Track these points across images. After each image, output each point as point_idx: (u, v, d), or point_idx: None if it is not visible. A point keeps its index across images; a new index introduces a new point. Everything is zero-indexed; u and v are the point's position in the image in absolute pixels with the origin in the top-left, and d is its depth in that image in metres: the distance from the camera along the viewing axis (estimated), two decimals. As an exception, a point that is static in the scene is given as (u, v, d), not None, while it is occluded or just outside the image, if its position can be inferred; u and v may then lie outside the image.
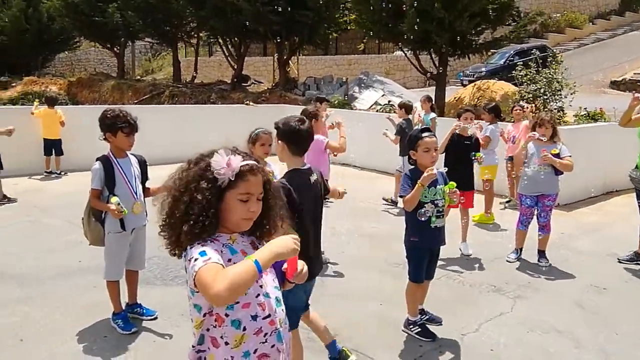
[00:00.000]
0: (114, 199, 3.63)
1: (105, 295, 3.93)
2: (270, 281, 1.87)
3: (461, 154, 5.72)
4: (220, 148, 1.79)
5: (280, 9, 16.64)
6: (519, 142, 7.54)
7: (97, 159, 3.74)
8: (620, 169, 6.45)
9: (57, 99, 9.87)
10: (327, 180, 5.34)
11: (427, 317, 4.02)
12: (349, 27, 19.99)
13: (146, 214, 3.93)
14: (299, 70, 23.85)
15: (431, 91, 14.50)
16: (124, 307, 3.97)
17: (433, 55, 15.20)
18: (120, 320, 3.84)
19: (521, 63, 12.70)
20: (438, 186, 3.77)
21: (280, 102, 16.12)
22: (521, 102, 9.75)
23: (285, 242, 1.70)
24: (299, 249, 1.73)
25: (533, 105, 11.00)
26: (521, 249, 5.65)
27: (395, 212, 7.55)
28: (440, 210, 3.80)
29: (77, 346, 3.61)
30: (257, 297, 1.78)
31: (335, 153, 5.92)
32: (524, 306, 4.50)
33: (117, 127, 3.67)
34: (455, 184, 3.81)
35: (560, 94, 11.57)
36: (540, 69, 11.99)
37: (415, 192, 3.61)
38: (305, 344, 3.57)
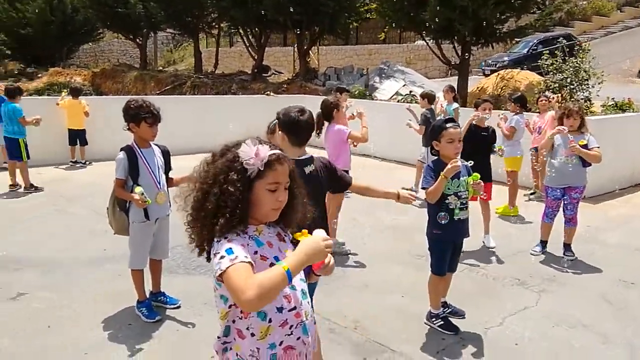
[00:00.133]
0: (137, 189, 3.66)
1: (130, 283, 3.98)
2: None
3: (478, 145, 5.61)
4: (248, 138, 1.77)
5: (300, -1, 16.57)
6: (545, 133, 7.39)
7: (121, 149, 3.78)
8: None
9: (81, 90, 10.00)
10: (347, 171, 5.34)
11: (450, 310, 3.98)
12: (369, 17, 19.79)
13: (169, 204, 3.96)
14: (319, 60, 23.74)
15: (453, 81, 14.29)
16: (148, 296, 4.02)
17: (456, 45, 14.95)
18: (144, 309, 3.89)
19: (547, 52, 12.36)
20: (462, 178, 3.71)
21: (300, 93, 16.08)
22: (546, 93, 9.54)
23: (316, 246, 1.66)
24: (331, 249, 1.71)
25: (559, 95, 10.75)
26: (546, 242, 5.54)
27: (417, 204, 7.47)
28: (464, 202, 3.74)
29: (102, 333, 3.67)
30: None
31: (355, 143, 5.88)
32: (549, 300, 4.42)
33: (140, 117, 3.69)
34: (479, 176, 3.75)
35: (588, 84, 11.29)
36: (566, 57, 11.70)
37: (439, 184, 3.56)
38: (326, 335, 3.58)
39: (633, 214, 7.01)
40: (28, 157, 7.64)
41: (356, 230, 5.99)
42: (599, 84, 11.17)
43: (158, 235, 3.96)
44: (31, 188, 7.59)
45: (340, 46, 26.63)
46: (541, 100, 7.77)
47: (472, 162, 3.86)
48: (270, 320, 1.75)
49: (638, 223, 6.64)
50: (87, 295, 4.28)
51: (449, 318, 3.89)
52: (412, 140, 8.10)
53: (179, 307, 4.08)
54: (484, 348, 3.63)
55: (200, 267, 4.82)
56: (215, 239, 1.72)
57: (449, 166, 3.52)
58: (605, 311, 4.25)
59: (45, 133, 8.79)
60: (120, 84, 23.16)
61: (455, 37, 14.47)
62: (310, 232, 1.82)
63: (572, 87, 11.11)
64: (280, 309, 1.76)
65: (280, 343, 1.77)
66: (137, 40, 26.10)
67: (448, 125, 3.62)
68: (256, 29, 20.40)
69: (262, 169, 1.73)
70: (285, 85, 18.35)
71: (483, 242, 5.66)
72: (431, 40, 15.73)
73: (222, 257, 1.64)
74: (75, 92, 9.82)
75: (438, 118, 7.91)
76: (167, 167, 3.98)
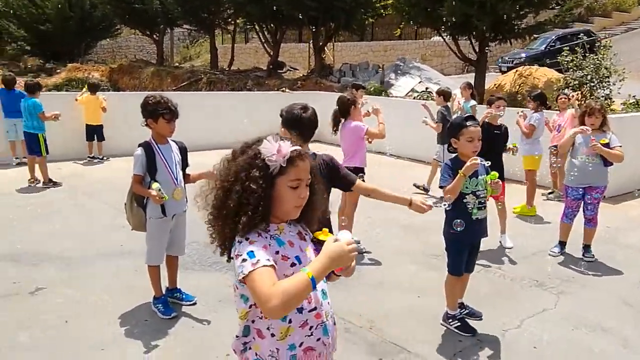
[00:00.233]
0: (154, 185, 3.67)
1: (146, 279, 4.00)
2: None
3: (491, 143, 5.49)
4: (269, 135, 1.75)
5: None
6: (565, 131, 7.27)
7: (139, 145, 3.78)
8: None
9: (99, 86, 10.11)
10: (363, 169, 5.30)
11: (467, 311, 3.93)
12: (385, 12, 19.65)
13: (186, 200, 3.97)
14: (335, 56, 23.66)
15: (469, 78, 14.16)
16: (164, 292, 4.03)
17: (473, 41, 14.78)
18: (160, 305, 3.91)
19: (567, 48, 12.15)
20: (479, 177, 3.65)
21: (315, 89, 16.04)
22: (566, 90, 9.38)
23: (341, 251, 1.63)
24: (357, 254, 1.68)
25: (579, 92, 10.57)
26: (565, 243, 5.45)
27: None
28: (482, 201, 3.69)
29: (118, 329, 3.69)
30: None
31: (370, 140, 5.85)
32: (568, 302, 4.35)
33: (158, 113, 3.69)
34: (497, 174, 3.69)
35: (608, 81, 11.08)
36: (586, 54, 11.49)
37: (457, 182, 3.51)
38: (341, 334, 3.55)
39: (655, 215, 6.87)
40: (47, 152, 7.73)
41: (371, 229, 5.95)
42: (619, 81, 10.96)
43: (175, 231, 3.97)
44: (50, 183, 7.68)
45: (356, 42, 26.52)
46: (561, 98, 7.65)
47: (489, 162, 3.80)
48: (290, 321, 1.74)
49: (660, 224, 6.50)
50: (105, 290, 4.31)
51: (466, 319, 3.84)
52: (427, 138, 8.03)
53: (194, 303, 4.09)
54: (502, 350, 3.58)
55: (216, 264, 4.83)
56: (237, 239, 1.71)
57: (468, 163, 3.47)
58: (626, 314, 4.17)
59: (64, 128, 8.90)
60: (137, 79, 23.34)
61: (474, 33, 14.30)
62: (319, 229, 1.80)
63: (592, 84, 10.91)
64: (300, 310, 1.74)
65: (300, 344, 1.76)
66: (154, 36, 26.31)
67: (468, 123, 3.56)
68: (272, 25, 20.40)
69: (284, 165, 1.71)
70: (300, 82, 18.34)
71: (500, 242, 5.59)
72: (448, 37, 15.58)
73: (244, 260, 1.62)
74: (93, 88, 9.91)
75: (455, 115, 7.84)
76: (184, 164, 3.99)
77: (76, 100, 9.71)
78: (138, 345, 3.50)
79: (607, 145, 4.97)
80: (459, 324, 3.79)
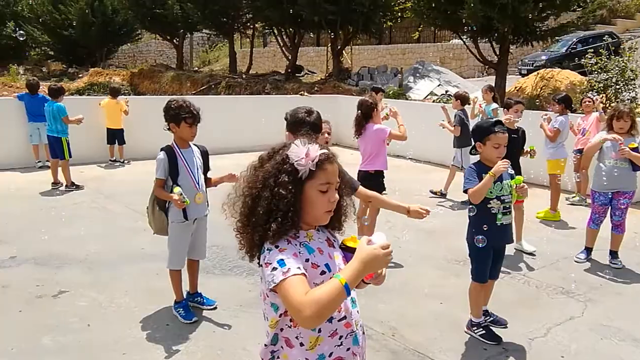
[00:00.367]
0: (176, 189, 3.67)
1: (167, 282, 4.01)
2: None
3: (509, 147, 5.40)
4: (297, 139, 1.72)
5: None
6: (589, 134, 7.12)
7: (162, 149, 3.79)
8: None
9: (119, 90, 10.22)
10: (383, 172, 5.24)
11: (492, 318, 3.85)
12: (403, 15, 19.58)
13: (207, 204, 3.97)
14: (352, 60, 23.63)
15: (489, 80, 14.01)
16: (185, 296, 4.03)
17: (494, 43, 14.62)
18: (181, 309, 3.91)
19: (591, 51, 11.93)
20: (504, 181, 3.58)
21: (334, 93, 16.03)
22: (589, 94, 9.19)
23: (375, 254, 1.58)
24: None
25: (604, 95, 10.36)
26: (591, 249, 5.32)
27: (448, 205, 7.34)
28: (507, 206, 3.62)
29: (140, 333, 3.70)
30: None
31: (388, 142, 5.81)
32: (596, 310, 4.23)
33: (180, 117, 3.69)
34: (522, 179, 3.63)
35: (634, 84, 10.84)
36: (611, 56, 11.27)
37: (486, 183, 3.43)
38: (364, 341, 3.50)
39: (684, 221, 6.66)
40: (70, 156, 7.83)
41: (391, 233, 5.88)
42: (646, 83, 10.74)
43: (196, 235, 3.97)
44: (72, 186, 7.78)
45: (374, 46, 26.45)
46: (585, 101, 7.49)
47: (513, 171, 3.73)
48: (320, 330, 1.69)
49: (690, 230, 6.30)
50: (127, 293, 4.33)
51: (491, 327, 3.76)
52: (448, 142, 7.94)
53: (215, 308, 4.08)
54: (528, 360, 3.50)
55: (236, 268, 4.82)
56: (266, 247, 1.67)
57: (500, 165, 3.41)
58: (658, 324, 4.04)
59: (86, 132, 9.01)
60: (158, 84, 23.65)
61: (496, 35, 14.14)
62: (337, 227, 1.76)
63: (617, 87, 10.69)
64: (330, 319, 1.68)
65: (330, 354, 1.71)
66: (174, 40, 26.65)
67: (497, 129, 3.50)
68: (290, 29, 20.49)
69: (313, 169, 1.67)
70: (318, 85, 18.35)
71: (515, 248, 5.43)
72: (468, 39, 15.44)
73: (274, 269, 1.59)
74: (114, 92, 10.04)
75: (477, 119, 7.74)
76: (206, 168, 3.99)
77: (99, 104, 9.85)
78: (160, 350, 3.49)
79: (635, 149, 4.84)
80: (483, 332, 3.71)
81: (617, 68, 10.79)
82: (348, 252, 1.75)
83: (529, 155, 5.46)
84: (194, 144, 3.95)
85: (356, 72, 20.24)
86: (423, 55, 23.21)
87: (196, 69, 29.48)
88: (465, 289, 3.83)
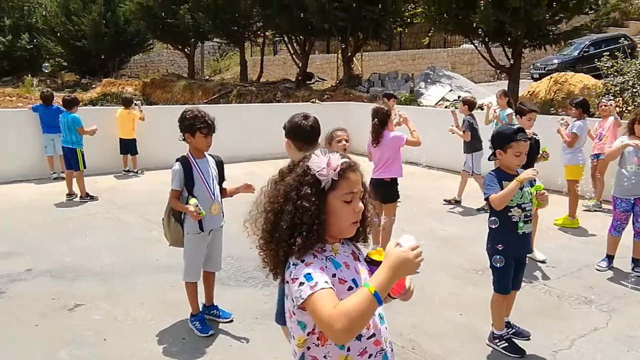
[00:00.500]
0: (192, 201, 3.64)
1: (183, 294, 3.97)
2: None
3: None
4: (316, 149, 1.67)
5: (345, 4, 16.53)
6: (606, 139, 7.00)
7: (177, 160, 3.76)
8: None
9: (131, 100, 10.25)
10: (396, 179, 5.18)
11: (514, 330, 3.76)
12: (413, 21, 19.52)
13: (223, 215, 3.93)
14: (363, 66, 23.60)
15: (501, 85, 13.90)
16: (200, 309, 3.99)
17: (506, 48, 14.50)
18: (197, 322, 3.86)
19: (607, 53, 11.77)
20: (524, 188, 3.50)
21: (345, 100, 15.99)
22: (603, 99, 9.06)
23: (404, 257, 1.50)
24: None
25: (620, 99, 10.20)
26: (613, 257, 5.20)
27: (463, 213, 7.23)
28: (528, 214, 3.54)
29: (157, 347, 3.66)
30: None
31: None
32: (620, 320, 4.12)
33: (195, 127, 3.67)
34: (542, 186, 3.55)
35: (651, 87, 10.65)
36: (627, 59, 11.11)
37: (511, 189, 3.35)
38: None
39: None
40: (85, 167, 7.86)
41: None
42: (663, 86, 10.53)
43: (211, 246, 3.93)
44: (87, 197, 7.80)
45: (384, 52, 26.41)
46: (602, 106, 7.38)
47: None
48: (349, 350, 1.62)
49: None
50: (142, 306, 4.29)
51: (513, 339, 3.67)
52: (458, 147, 7.88)
53: (231, 321, 4.03)
54: (553, 373, 3.40)
55: (251, 279, 4.78)
56: (291, 262, 1.61)
57: (528, 172, 3.35)
58: (686, 335, 3.91)
59: (101, 142, 9.06)
60: (170, 93, 23.78)
61: (509, 39, 14.02)
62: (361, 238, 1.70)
63: (634, 90, 10.52)
64: (359, 337, 1.62)
65: None
66: (185, 50, 26.82)
67: (519, 136, 3.41)
68: (300, 37, 20.53)
69: (335, 179, 1.62)
70: (329, 93, 18.33)
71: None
72: (480, 44, 15.33)
73: (301, 284, 1.53)
74: (126, 102, 10.07)
75: (492, 124, 7.65)
76: (221, 178, 3.96)
77: (116, 116, 9.89)
78: (176, 364, 3.45)
79: (658, 154, 4.73)
80: (506, 344, 3.62)
81: (633, 71, 10.63)
82: (374, 265, 1.69)
83: (542, 159, 5.36)
84: (209, 154, 3.92)
85: (367, 78, 20.19)
86: (433, 61, 23.11)
87: (207, 77, 29.64)
88: (484, 298, 3.74)
